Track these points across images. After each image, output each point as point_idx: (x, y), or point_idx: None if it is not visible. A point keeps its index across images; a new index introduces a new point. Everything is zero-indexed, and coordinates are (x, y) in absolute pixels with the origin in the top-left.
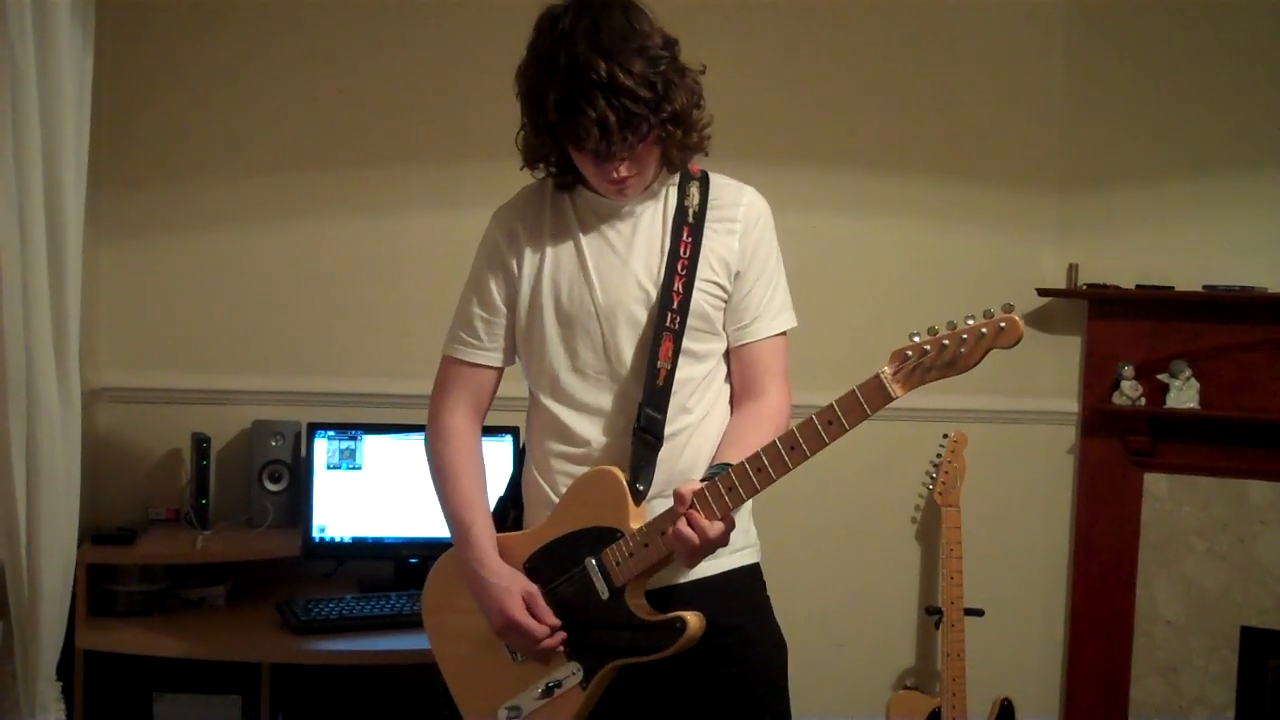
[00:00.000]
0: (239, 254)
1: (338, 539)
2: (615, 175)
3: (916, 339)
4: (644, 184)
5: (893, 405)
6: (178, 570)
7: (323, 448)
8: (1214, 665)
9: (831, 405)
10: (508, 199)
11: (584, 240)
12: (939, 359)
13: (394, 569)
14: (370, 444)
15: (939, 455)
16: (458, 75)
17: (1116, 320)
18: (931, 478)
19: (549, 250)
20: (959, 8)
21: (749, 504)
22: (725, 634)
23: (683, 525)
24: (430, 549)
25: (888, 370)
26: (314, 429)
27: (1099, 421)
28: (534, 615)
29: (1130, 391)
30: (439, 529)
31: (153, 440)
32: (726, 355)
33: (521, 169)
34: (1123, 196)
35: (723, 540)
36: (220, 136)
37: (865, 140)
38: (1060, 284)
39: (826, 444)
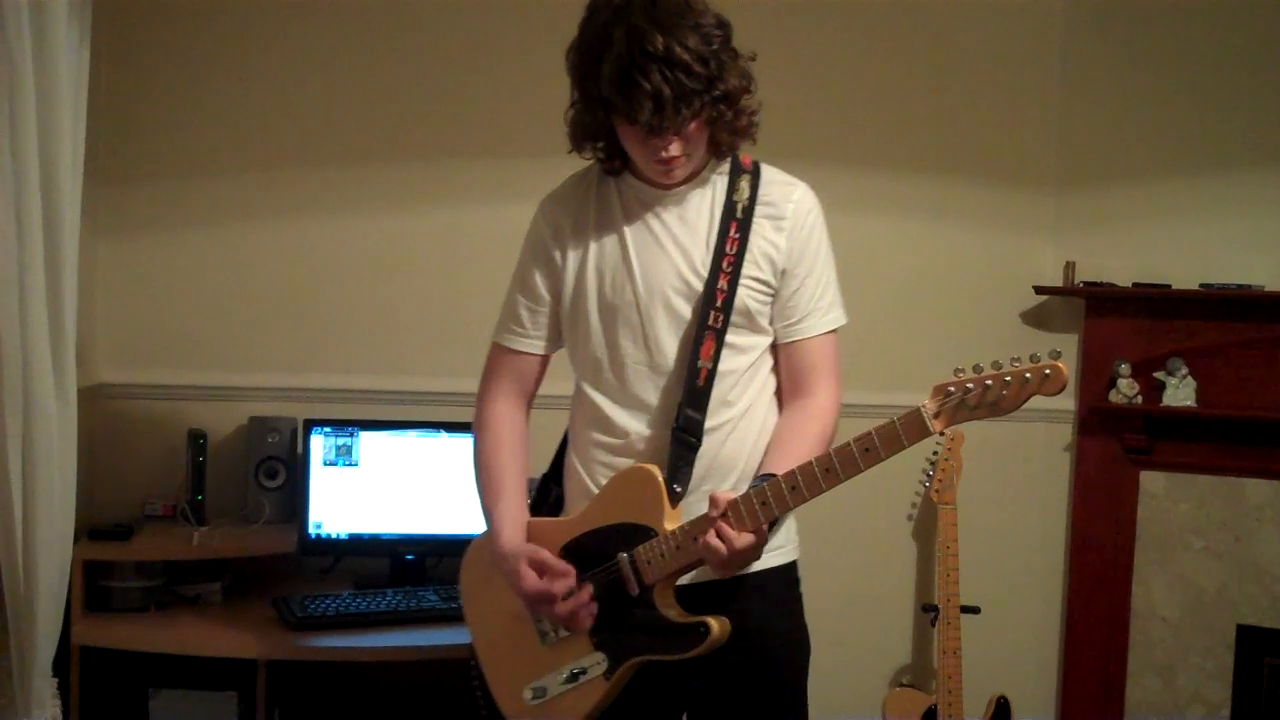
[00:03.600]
0: (236, 250)
1: (334, 535)
2: (664, 154)
3: (960, 375)
4: (691, 166)
5: (889, 403)
6: (174, 566)
7: (319, 444)
8: (1210, 663)
9: (870, 433)
10: (509, 195)
11: (628, 229)
12: (982, 399)
13: (390, 565)
14: (367, 440)
15: (935, 453)
16: (454, 72)
17: (1113, 318)
18: (928, 475)
19: (593, 239)
20: (957, 6)
21: None
22: (750, 635)
23: (712, 536)
24: (427, 545)
25: (930, 405)
26: (310, 425)
27: (1096, 419)
28: (548, 574)
29: (1127, 389)
30: (436, 525)
31: (149, 436)
32: (773, 351)
33: (569, 153)
34: (1120, 195)
35: (753, 553)
36: (217, 133)
37: (863, 138)
38: (1057, 282)
39: (861, 470)
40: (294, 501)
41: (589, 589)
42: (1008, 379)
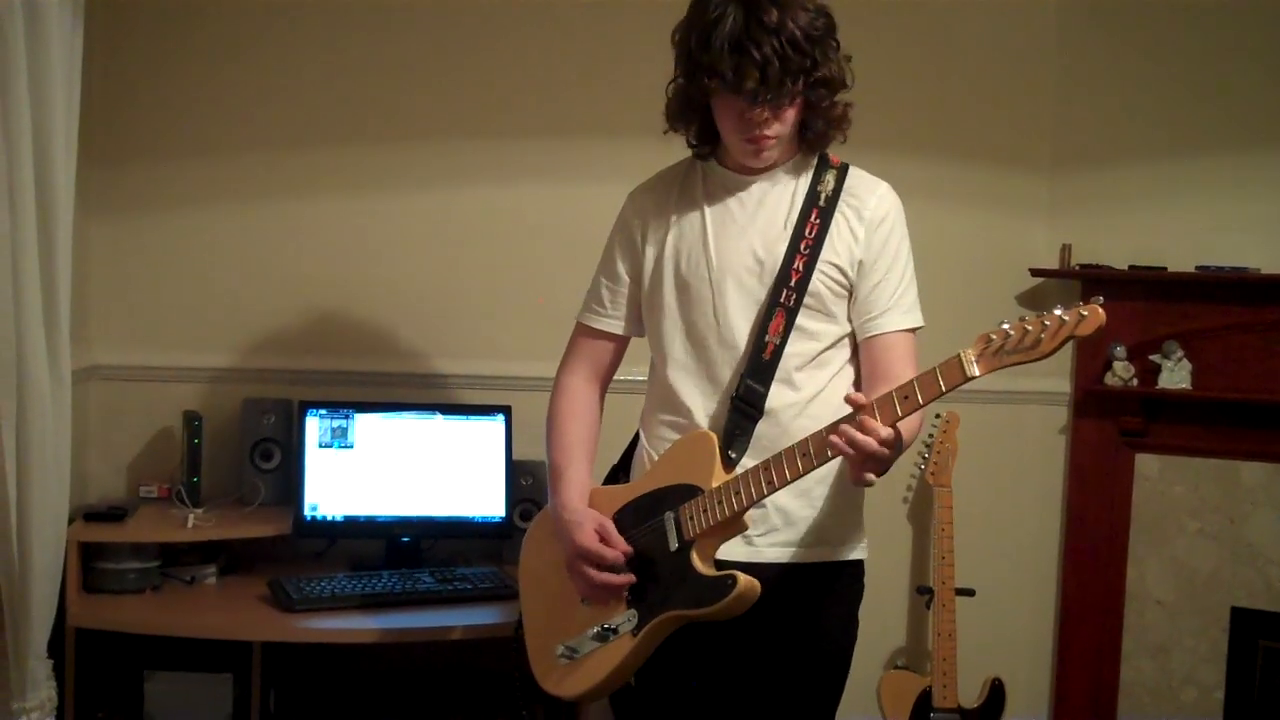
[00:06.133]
0: (231, 232)
1: (329, 518)
2: (759, 130)
3: (1005, 326)
4: (779, 152)
5: None
6: (169, 548)
7: (314, 426)
8: (1204, 645)
9: (911, 381)
10: (506, 177)
11: (708, 211)
12: (1021, 343)
13: (385, 548)
14: (362, 422)
15: (931, 435)
16: (448, 52)
17: (1109, 300)
18: (924, 457)
19: (674, 222)
20: None
21: (862, 498)
22: (809, 623)
23: (849, 429)
24: (422, 527)
25: (970, 352)
26: (306, 407)
27: (1091, 402)
28: (607, 544)
29: (1122, 372)
30: (431, 507)
31: (144, 418)
32: (854, 348)
33: (665, 133)
34: (1116, 177)
35: (893, 453)
36: (212, 114)
37: (858, 120)
38: (1053, 264)
39: (900, 418)
40: (289, 483)
41: (630, 577)
42: (1046, 322)
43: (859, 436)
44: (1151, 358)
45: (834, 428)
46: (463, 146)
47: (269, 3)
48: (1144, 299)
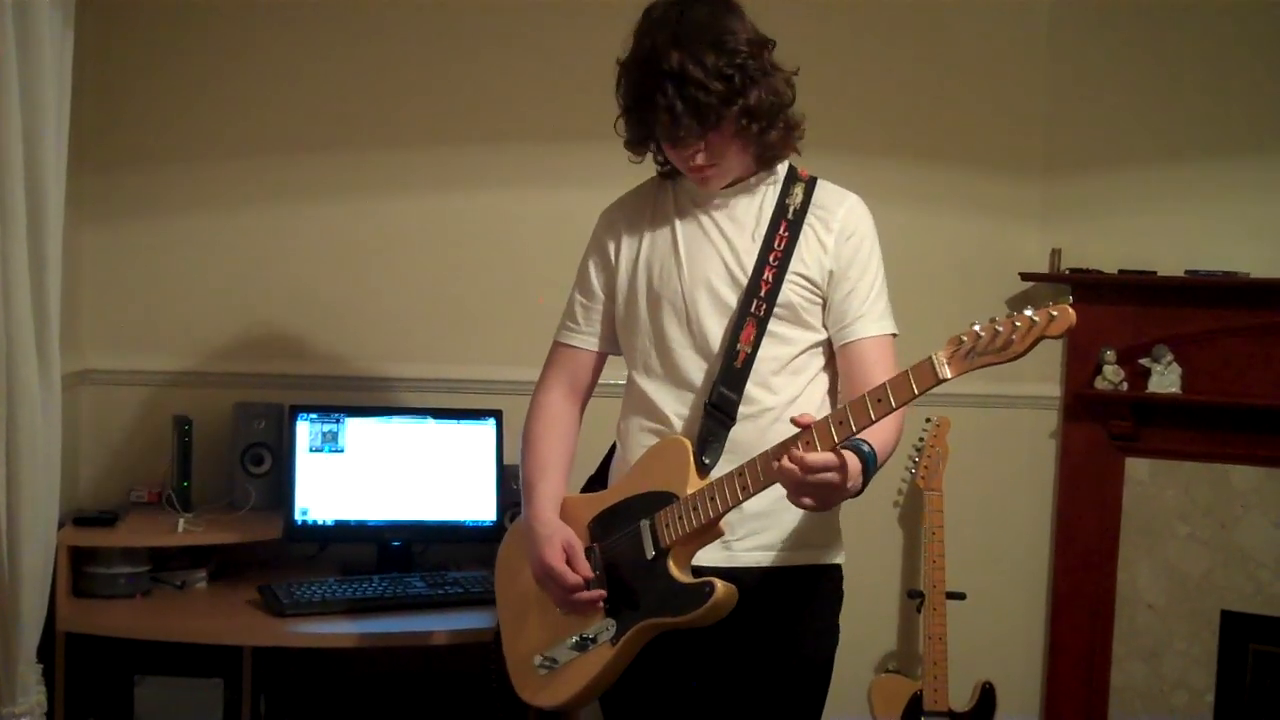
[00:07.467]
0: (221, 237)
1: (320, 522)
2: (692, 163)
3: (976, 327)
4: (726, 175)
5: None
6: (159, 553)
7: (305, 430)
8: (1195, 649)
9: (884, 384)
10: (496, 182)
11: (679, 224)
12: (991, 344)
13: (376, 552)
14: (353, 426)
15: (922, 439)
16: (443, 58)
17: (1099, 305)
18: (914, 461)
19: (646, 238)
20: None
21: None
22: (785, 628)
23: (785, 460)
24: (413, 532)
25: (942, 354)
26: (296, 411)
27: (1081, 406)
28: (571, 565)
29: (1112, 376)
30: (422, 512)
31: (134, 423)
32: (831, 356)
33: (631, 162)
34: (1106, 181)
35: (837, 485)
36: (202, 120)
37: (849, 125)
38: (1043, 269)
39: (873, 421)
40: (280, 488)
41: (600, 593)
42: (1017, 323)
43: (786, 465)
44: (1142, 362)
45: (785, 445)
46: (455, 151)
47: (260, 9)
48: (1134, 303)
